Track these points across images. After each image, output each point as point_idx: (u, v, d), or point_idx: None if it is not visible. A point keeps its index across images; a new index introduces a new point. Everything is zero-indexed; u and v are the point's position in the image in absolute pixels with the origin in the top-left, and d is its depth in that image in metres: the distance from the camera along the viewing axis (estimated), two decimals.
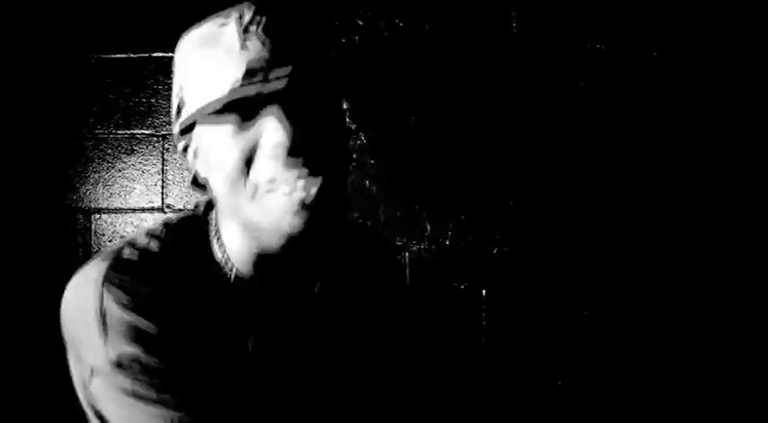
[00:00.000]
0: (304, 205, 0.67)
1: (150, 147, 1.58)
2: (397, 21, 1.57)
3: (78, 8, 1.57)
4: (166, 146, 1.58)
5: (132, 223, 1.58)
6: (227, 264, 0.78)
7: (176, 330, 0.72)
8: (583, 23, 1.56)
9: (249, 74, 0.65)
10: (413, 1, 1.57)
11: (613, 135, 1.55)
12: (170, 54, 1.57)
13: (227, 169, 0.69)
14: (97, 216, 1.58)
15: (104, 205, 1.58)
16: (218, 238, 0.79)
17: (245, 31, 0.67)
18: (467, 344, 1.55)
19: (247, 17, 0.67)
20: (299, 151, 0.67)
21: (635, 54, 1.56)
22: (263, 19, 0.67)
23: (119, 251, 0.75)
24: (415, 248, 1.55)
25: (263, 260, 0.77)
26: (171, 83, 1.57)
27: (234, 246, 0.77)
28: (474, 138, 1.55)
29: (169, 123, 1.58)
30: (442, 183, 1.55)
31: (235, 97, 0.66)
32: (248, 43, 0.66)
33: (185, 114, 0.72)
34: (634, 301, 1.53)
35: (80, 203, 1.58)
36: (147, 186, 1.58)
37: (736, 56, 1.54)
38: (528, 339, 1.54)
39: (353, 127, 1.56)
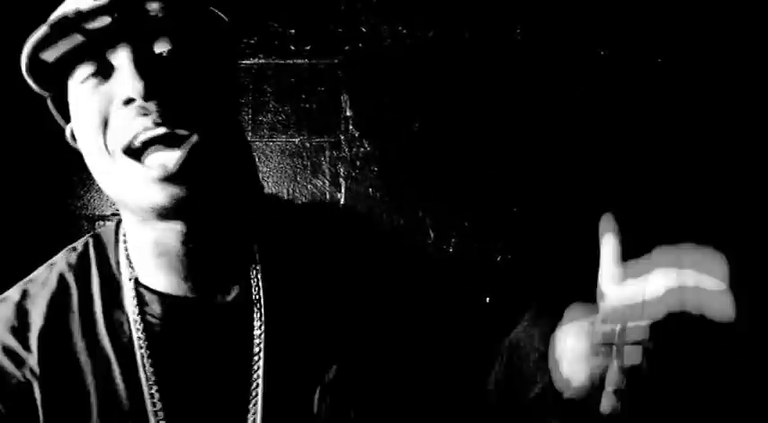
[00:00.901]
0: (165, 177, 0.59)
1: None
2: (400, 28, 1.57)
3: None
4: None
5: None
6: (123, 273, 0.70)
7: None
8: (586, 30, 1.56)
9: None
10: (416, 8, 1.57)
11: (617, 142, 1.54)
12: None
13: (87, 129, 0.63)
14: (101, 223, 1.59)
15: (108, 212, 1.59)
16: (125, 248, 0.72)
17: None
18: (470, 352, 1.55)
19: None
20: (153, 103, 0.59)
21: (639, 61, 1.56)
22: None
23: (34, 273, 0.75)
24: (417, 256, 1.55)
25: (168, 263, 0.67)
26: None
27: (137, 250, 0.70)
28: (477, 145, 1.55)
29: None
30: (445, 190, 1.55)
31: (57, 19, 0.59)
32: None
33: (24, 49, 0.65)
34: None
35: (84, 210, 1.59)
36: None
37: (740, 62, 1.54)
38: None
39: (357, 134, 1.56)
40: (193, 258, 0.67)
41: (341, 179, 1.55)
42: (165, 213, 0.61)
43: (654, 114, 1.54)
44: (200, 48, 0.66)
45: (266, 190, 1.56)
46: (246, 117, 1.57)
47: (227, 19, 0.69)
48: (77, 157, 1.59)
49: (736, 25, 1.54)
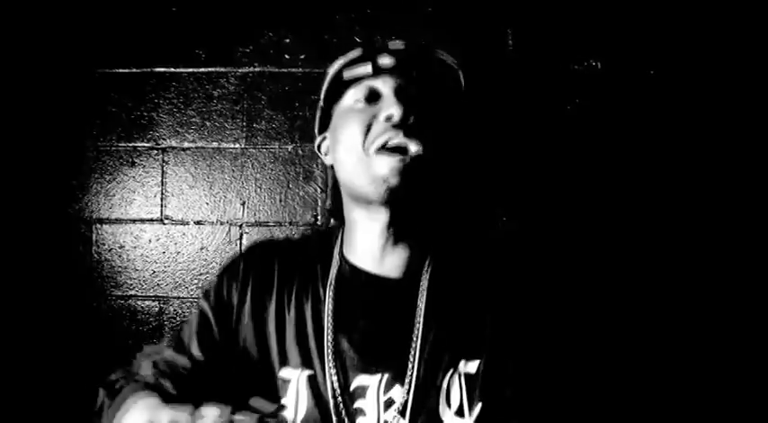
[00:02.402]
0: (402, 167, 0.89)
1: (150, 159, 1.62)
2: (393, 38, 1.59)
3: (84, 24, 1.62)
4: (166, 158, 1.62)
5: (132, 233, 1.61)
6: (342, 260, 1.04)
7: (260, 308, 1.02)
8: (579, 41, 1.57)
9: (365, 54, 1.03)
10: (408, 18, 1.59)
11: (610, 154, 1.55)
12: (171, 69, 1.61)
13: (352, 134, 0.95)
14: (98, 226, 1.62)
15: (105, 216, 1.62)
16: (340, 243, 1.07)
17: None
18: None
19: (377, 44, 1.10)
20: (403, 120, 0.92)
21: (632, 72, 1.57)
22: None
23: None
24: None
25: (370, 249, 1.00)
26: (171, 97, 1.62)
27: (351, 243, 1.04)
28: (467, 156, 1.57)
29: (168, 137, 1.61)
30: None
31: (350, 67, 1.03)
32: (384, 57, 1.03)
33: (327, 80, 1.10)
34: (636, 317, 1.52)
35: (82, 214, 1.62)
36: (146, 198, 1.62)
37: (736, 74, 1.54)
38: None
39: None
40: (388, 245, 0.99)
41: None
42: (386, 190, 0.91)
43: (647, 126, 1.55)
44: (439, 88, 1.04)
45: (259, 195, 1.59)
46: (241, 124, 1.60)
47: (462, 82, 1.10)
48: (75, 162, 1.62)
49: (733, 36, 1.54)
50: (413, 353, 0.92)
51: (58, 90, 1.61)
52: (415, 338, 0.93)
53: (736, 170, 1.53)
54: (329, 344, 0.95)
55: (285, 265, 1.04)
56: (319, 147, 1.12)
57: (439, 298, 0.97)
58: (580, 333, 1.09)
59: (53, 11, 1.62)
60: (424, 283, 0.97)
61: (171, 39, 1.61)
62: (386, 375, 0.92)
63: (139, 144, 1.62)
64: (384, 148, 0.91)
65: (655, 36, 1.56)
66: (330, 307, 0.98)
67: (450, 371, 0.92)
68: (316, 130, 1.13)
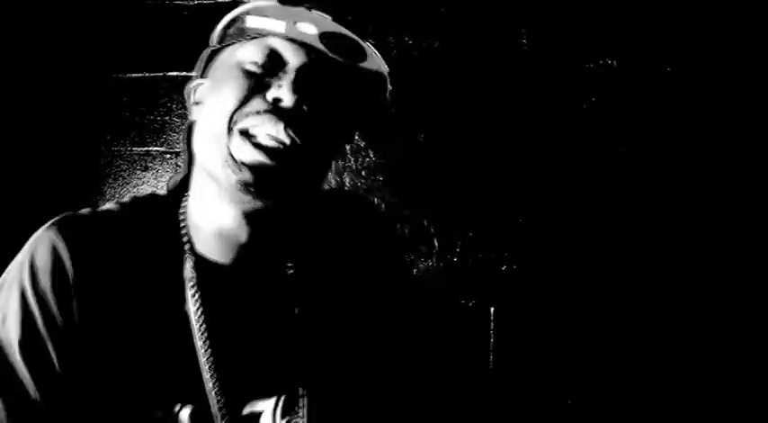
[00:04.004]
0: (275, 149, 0.69)
1: (164, 163, 1.62)
2: (406, 38, 1.59)
3: (97, 29, 1.62)
4: (179, 162, 1.62)
5: None
6: (189, 245, 0.77)
7: (97, 302, 0.71)
8: (594, 39, 1.56)
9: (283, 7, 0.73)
10: (422, 19, 1.58)
11: (626, 152, 1.53)
12: (183, 73, 1.61)
13: (224, 101, 0.72)
14: None
15: None
16: (183, 216, 0.79)
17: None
18: (475, 362, 1.55)
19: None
20: (293, 110, 0.70)
21: (648, 70, 1.55)
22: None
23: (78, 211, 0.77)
24: (422, 265, 1.56)
25: (227, 242, 0.76)
26: (184, 101, 1.61)
27: (200, 224, 0.77)
28: (483, 155, 1.56)
29: (182, 141, 1.61)
30: (450, 200, 1.56)
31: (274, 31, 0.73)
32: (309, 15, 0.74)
33: (225, 19, 0.78)
34: (646, 318, 1.51)
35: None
36: None
37: (753, 71, 1.52)
38: (537, 357, 1.53)
39: (363, 144, 1.58)
40: (250, 246, 0.76)
41: (347, 189, 1.57)
42: (248, 189, 0.70)
43: (664, 124, 1.53)
44: (351, 90, 0.79)
45: None
46: None
47: (389, 90, 0.83)
48: (90, 166, 1.63)
49: (750, 32, 1.52)
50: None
51: (73, 95, 1.62)
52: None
53: (753, 167, 1.50)
54: (208, 368, 0.72)
55: (117, 257, 0.73)
56: (193, 91, 0.83)
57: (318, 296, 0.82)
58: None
59: (67, 17, 1.62)
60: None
61: (183, 43, 1.61)
62: (282, 397, 0.75)
63: (153, 148, 1.62)
64: (252, 136, 0.71)
65: (671, 33, 1.54)
66: (198, 317, 0.73)
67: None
68: (196, 72, 0.85)
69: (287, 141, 0.70)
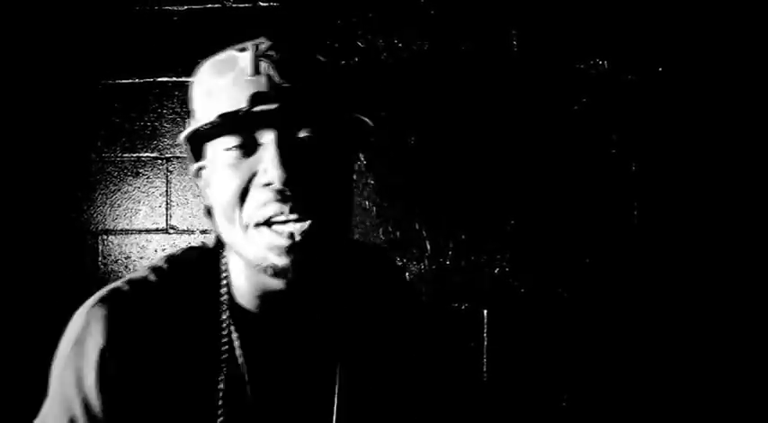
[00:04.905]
0: (289, 247, 0.69)
1: (155, 169, 1.62)
2: (396, 41, 1.58)
3: (87, 35, 1.62)
4: (170, 168, 1.61)
5: (138, 244, 1.61)
6: (229, 298, 0.79)
7: (149, 380, 0.72)
8: (584, 40, 1.55)
9: (253, 99, 0.68)
10: (412, 21, 1.58)
11: (617, 153, 1.53)
12: (174, 79, 1.61)
13: (226, 199, 0.71)
14: (105, 237, 1.62)
15: (111, 226, 1.62)
16: (225, 273, 0.80)
17: (259, 59, 0.71)
18: (468, 365, 1.54)
19: (263, 47, 0.72)
20: (290, 190, 0.68)
21: (639, 70, 1.54)
22: (278, 54, 0.72)
23: (115, 286, 0.76)
24: (414, 268, 1.55)
25: (265, 297, 0.77)
26: (174, 107, 1.61)
27: (238, 281, 0.79)
28: (474, 157, 1.55)
29: (173, 146, 1.61)
30: (442, 203, 1.55)
31: (228, 112, 0.68)
32: (260, 70, 0.70)
33: (187, 128, 0.74)
34: (640, 319, 1.50)
35: (88, 225, 1.62)
36: (151, 208, 1.61)
37: (746, 71, 1.51)
38: (530, 360, 1.53)
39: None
40: (288, 299, 0.78)
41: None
42: (281, 274, 0.71)
43: (655, 124, 1.52)
44: (338, 141, 0.75)
45: None
46: None
47: (371, 124, 0.79)
48: (81, 173, 1.63)
49: (742, 32, 1.51)
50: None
51: (63, 101, 1.62)
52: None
53: (746, 166, 1.50)
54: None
55: (161, 334, 0.74)
56: (198, 176, 0.81)
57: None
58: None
59: (57, 23, 1.62)
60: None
61: (174, 48, 1.61)
62: None
63: (144, 154, 1.62)
64: (266, 224, 0.70)
65: (662, 32, 1.53)
66: (246, 378, 0.76)
67: None
68: (188, 155, 0.81)
69: (295, 225, 0.69)
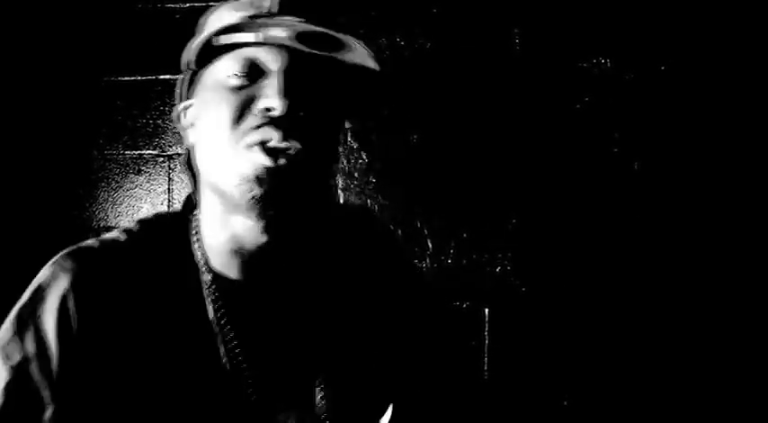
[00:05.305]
0: (274, 170, 0.68)
1: (157, 167, 1.62)
2: (398, 39, 1.58)
3: (89, 32, 1.62)
4: (172, 166, 1.61)
5: None
6: (204, 261, 0.77)
7: (115, 337, 0.69)
8: (587, 38, 1.55)
9: (257, 16, 0.70)
10: (414, 20, 1.58)
11: (619, 152, 1.52)
12: (176, 76, 1.60)
13: (221, 119, 0.71)
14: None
15: (113, 224, 1.62)
16: (197, 234, 0.79)
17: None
18: (470, 364, 1.54)
19: None
20: (287, 116, 0.69)
21: (642, 69, 1.54)
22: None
23: (85, 244, 0.74)
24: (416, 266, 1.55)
25: (242, 257, 0.76)
26: (176, 104, 1.62)
27: (214, 240, 0.77)
28: (476, 155, 1.55)
29: (174, 144, 1.61)
30: (444, 201, 1.55)
31: (253, 14, 0.71)
32: (285, 9, 0.72)
33: (196, 43, 0.73)
34: (642, 318, 1.50)
35: (90, 222, 1.62)
36: (153, 205, 1.61)
37: (748, 69, 1.51)
38: (532, 359, 1.52)
39: (355, 146, 1.57)
40: (266, 258, 0.76)
41: (339, 191, 1.57)
42: (262, 202, 0.70)
43: (658, 123, 1.52)
44: (340, 78, 0.76)
45: None
46: None
47: (377, 67, 0.77)
48: (83, 170, 1.63)
49: (745, 30, 1.51)
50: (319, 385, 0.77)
51: (65, 99, 1.62)
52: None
53: (749, 166, 1.49)
54: (249, 383, 0.74)
55: (129, 290, 0.72)
56: (182, 114, 0.82)
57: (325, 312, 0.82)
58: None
59: (58, 20, 1.63)
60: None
61: (175, 46, 1.61)
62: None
63: (146, 151, 1.62)
64: (257, 146, 0.70)
65: (664, 31, 1.53)
66: (225, 331, 0.74)
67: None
68: (178, 94, 0.84)
69: (289, 147, 0.69)
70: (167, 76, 1.61)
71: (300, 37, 0.70)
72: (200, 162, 0.75)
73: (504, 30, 1.56)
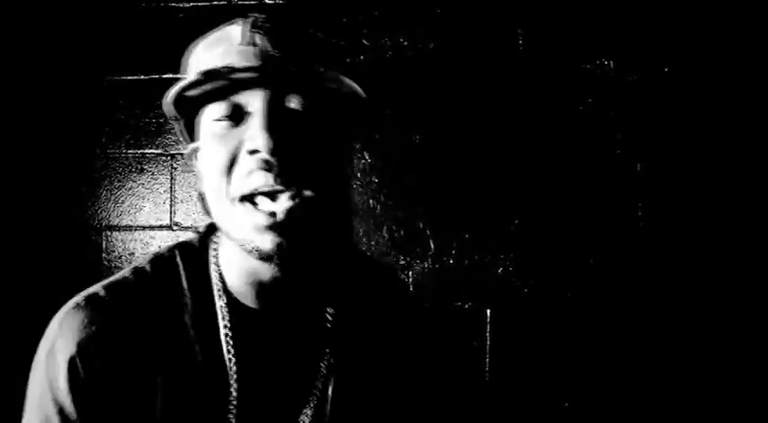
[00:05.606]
0: (270, 226, 0.66)
1: (159, 166, 1.62)
2: (401, 40, 1.58)
3: (92, 31, 1.62)
4: (175, 165, 1.61)
5: (142, 240, 1.61)
6: (221, 286, 0.76)
7: (124, 383, 0.71)
8: (590, 40, 1.55)
9: (244, 66, 0.66)
10: (418, 20, 1.58)
11: (622, 153, 1.52)
12: (178, 76, 1.60)
13: (214, 170, 0.69)
14: (108, 233, 1.62)
15: (115, 223, 1.62)
16: (215, 258, 0.78)
17: (252, 30, 0.70)
18: (471, 364, 1.54)
19: (256, 20, 0.72)
20: (276, 159, 0.66)
21: (645, 70, 1.54)
22: (271, 25, 0.71)
23: (91, 291, 0.75)
24: (418, 267, 1.55)
25: (258, 286, 0.75)
26: None
27: (230, 268, 0.76)
28: (479, 156, 1.55)
29: (177, 143, 1.61)
30: (446, 202, 1.55)
31: (212, 69, 0.66)
32: (253, 41, 0.69)
33: (175, 88, 0.71)
34: (644, 319, 1.50)
35: (92, 221, 1.62)
36: (156, 204, 1.61)
37: (751, 71, 1.50)
38: (534, 360, 1.52)
39: (358, 146, 1.57)
40: (281, 289, 0.76)
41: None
42: (266, 258, 0.68)
43: (661, 124, 1.52)
44: (328, 112, 0.72)
45: None
46: None
47: (364, 95, 0.73)
48: (85, 169, 1.63)
49: (748, 31, 1.51)
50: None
51: (68, 98, 1.62)
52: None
53: (751, 167, 1.49)
54: (234, 414, 0.73)
55: (137, 336, 0.72)
56: (194, 158, 0.80)
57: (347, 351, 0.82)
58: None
59: (61, 19, 1.62)
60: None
61: (178, 45, 1.61)
62: None
63: (148, 151, 1.62)
64: (249, 199, 0.67)
65: (667, 32, 1.53)
66: (231, 361, 0.74)
67: None
68: (180, 137, 0.82)
69: (279, 197, 0.67)
70: (170, 76, 1.61)
71: (275, 66, 0.68)
72: (210, 207, 0.74)
73: (508, 31, 1.56)
